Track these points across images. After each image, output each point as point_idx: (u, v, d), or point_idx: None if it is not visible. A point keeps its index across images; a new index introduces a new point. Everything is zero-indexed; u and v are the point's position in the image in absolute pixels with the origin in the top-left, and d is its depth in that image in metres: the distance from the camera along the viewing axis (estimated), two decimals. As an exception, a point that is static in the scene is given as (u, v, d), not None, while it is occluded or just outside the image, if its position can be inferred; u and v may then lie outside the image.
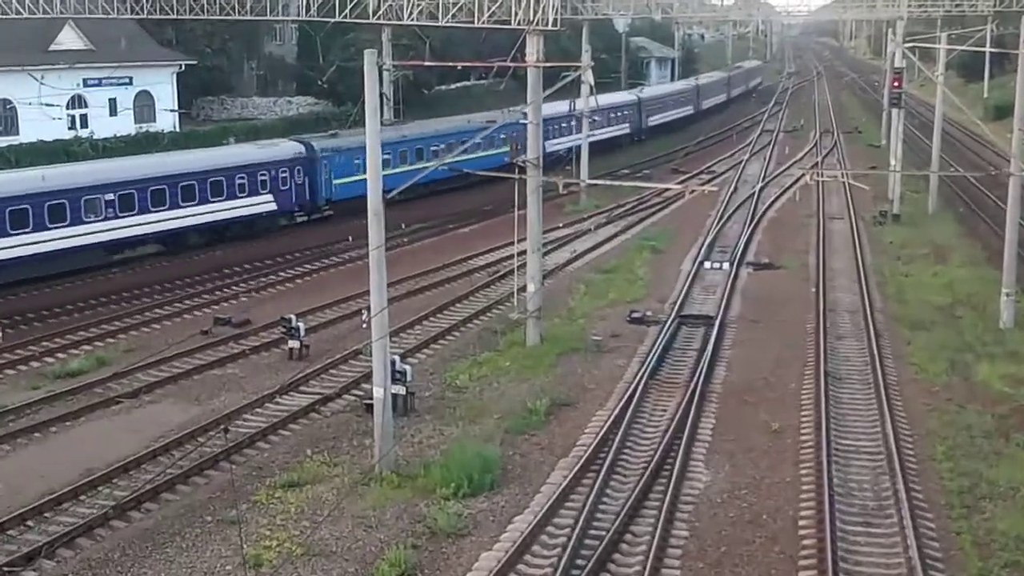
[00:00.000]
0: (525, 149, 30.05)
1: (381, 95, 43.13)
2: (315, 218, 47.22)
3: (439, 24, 47.85)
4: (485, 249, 43.12)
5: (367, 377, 25.18)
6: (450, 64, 36.74)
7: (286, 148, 46.13)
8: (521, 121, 35.53)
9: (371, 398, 22.63)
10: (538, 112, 29.84)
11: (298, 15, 55.21)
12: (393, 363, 23.46)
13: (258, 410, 25.71)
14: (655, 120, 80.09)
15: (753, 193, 56.77)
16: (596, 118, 60.09)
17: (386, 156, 47.97)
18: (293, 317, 29.98)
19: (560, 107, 56.91)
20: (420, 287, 37.04)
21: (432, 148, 52.51)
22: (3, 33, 52.47)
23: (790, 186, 59.38)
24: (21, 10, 47.75)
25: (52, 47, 55.73)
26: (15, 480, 21.68)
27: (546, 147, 45.99)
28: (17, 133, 53.32)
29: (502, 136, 54.13)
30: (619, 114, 72.31)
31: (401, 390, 24.67)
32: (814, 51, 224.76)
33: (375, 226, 21.05)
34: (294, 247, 43.53)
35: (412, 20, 49.46)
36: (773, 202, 55.50)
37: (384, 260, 21.42)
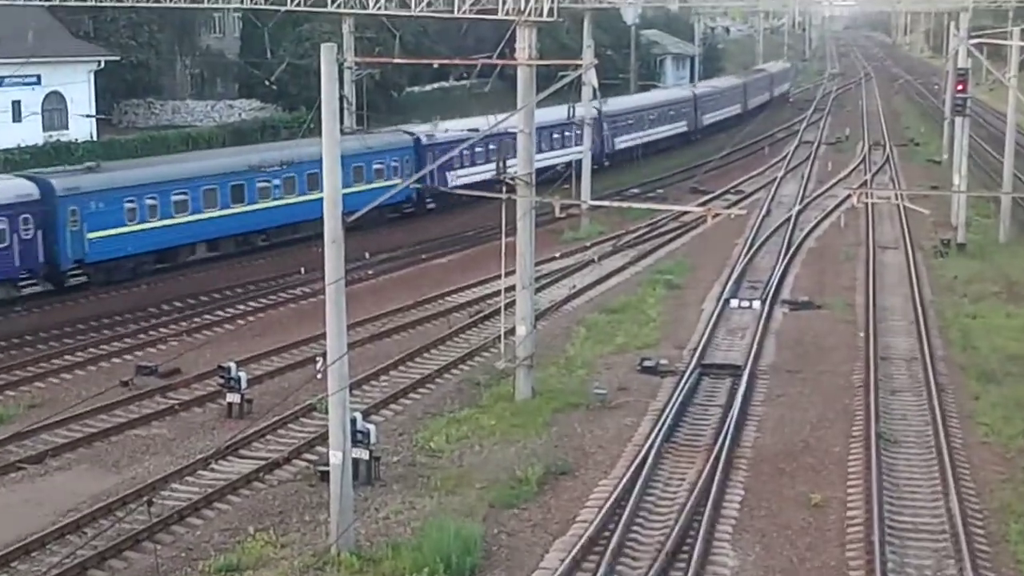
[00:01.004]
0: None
1: (342, 98, 43.38)
2: (67, 287, 41.13)
3: (412, 14, 48.13)
4: (466, 284, 43.17)
5: (322, 438, 25.10)
6: (424, 61, 37.03)
7: (2, 189, 39.16)
8: (512, 131, 35.56)
9: (327, 464, 22.54)
10: (530, 119, 29.96)
11: (241, 2, 55.51)
12: (354, 421, 23.40)
13: (189, 479, 25.54)
14: (625, 141, 74.04)
15: (789, 217, 57.04)
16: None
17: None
18: (232, 366, 29.89)
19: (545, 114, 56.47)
20: (387, 329, 37.01)
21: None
22: None
23: (834, 209, 59.73)
24: (-93, -6, 47.93)
25: (-56, 39, 55.87)
26: None
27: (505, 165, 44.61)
28: (-100, 142, 53.35)
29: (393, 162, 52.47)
30: (567, 134, 63.11)
31: (363, 454, 24.57)
32: (862, 48, 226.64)
33: (333, 256, 21.06)
34: (233, 281, 43.53)
35: (379, 8, 49.72)
36: (813, 228, 55.74)
37: (343, 297, 21.42)
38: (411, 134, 55.52)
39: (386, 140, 54.38)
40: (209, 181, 45.08)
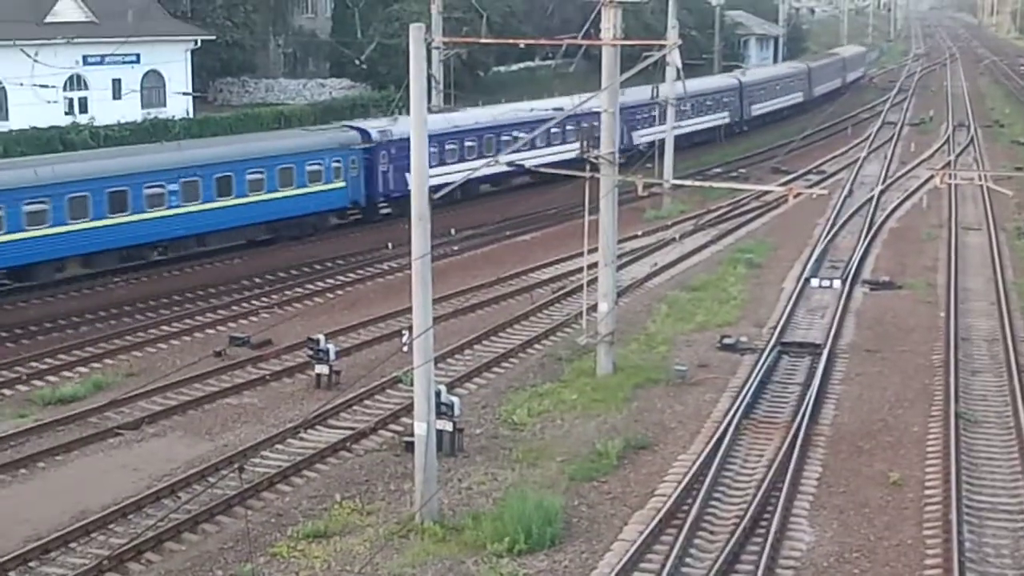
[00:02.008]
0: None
1: (429, 77, 43.47)
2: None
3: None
4: (549, 261, 43.19)
5: (407, 410, 25.29)
6: (511, 42, 36.97)
7: None
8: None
9: (412, 435, 22.71)
10: (614, 99, 29.84)
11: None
12: (438, 394, 23.51)
13: (279, 447, 25.88)
14: (646, 135, 63.27)
15: (871, 198, 56.36)
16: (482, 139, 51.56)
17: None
18: (322, 338, 30.16)
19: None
20: (471, 305, 37.15)
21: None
22: (-9, 3, 53.68)
23: (916, 190, 58.89)
24: (13, -24, 48.78)
25: (48, 19, 56.79)
26: (-4, 523, 22.01)
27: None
28: (6, 119, 54.37)
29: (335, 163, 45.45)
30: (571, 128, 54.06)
31: (447, 426, 24.72)
32: (947, 29, 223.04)
33: (419, 232, 21.14)
34: (323, 256, 43.90)
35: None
36: (895, 209, 55.06)
37: (429, 272, 21.52)
38: (359, 130, 48.02)
39: (326, 137, 46.72)
40: (77, 187, 37.07)
